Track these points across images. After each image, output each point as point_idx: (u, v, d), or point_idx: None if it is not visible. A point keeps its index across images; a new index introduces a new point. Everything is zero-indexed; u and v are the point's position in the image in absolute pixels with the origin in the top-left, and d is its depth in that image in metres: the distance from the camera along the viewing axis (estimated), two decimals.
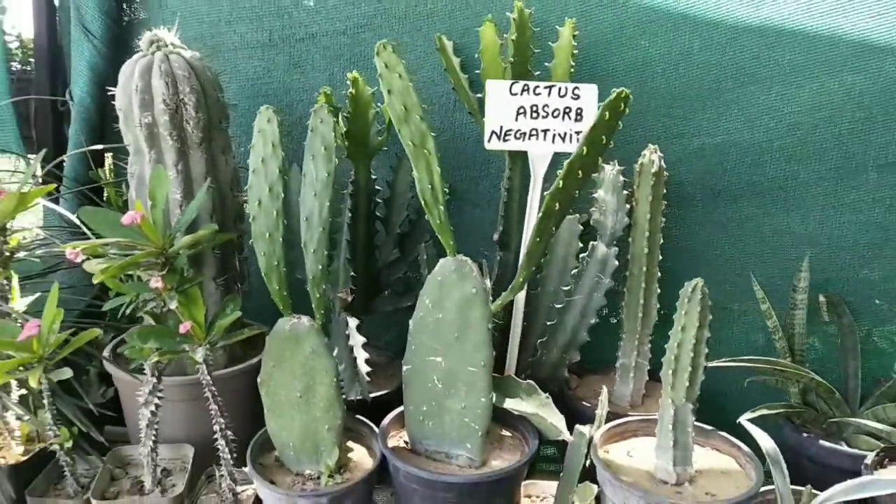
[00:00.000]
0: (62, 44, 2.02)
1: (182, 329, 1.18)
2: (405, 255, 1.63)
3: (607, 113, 1.01)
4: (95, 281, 1.14)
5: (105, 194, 1.80)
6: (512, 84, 1.32)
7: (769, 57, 1.54)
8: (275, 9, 1.70)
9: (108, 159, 1.88)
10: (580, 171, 1.06)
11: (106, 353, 1.51)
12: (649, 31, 1.57)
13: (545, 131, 1.33)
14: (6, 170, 1.72)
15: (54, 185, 1.36)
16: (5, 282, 1.30)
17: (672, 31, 1.56)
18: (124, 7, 1.75)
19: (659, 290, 1.50)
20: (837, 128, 1.54)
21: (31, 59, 2.00)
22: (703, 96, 1.58)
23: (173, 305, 1.17)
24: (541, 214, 1.09)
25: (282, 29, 1.71)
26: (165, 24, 1.73)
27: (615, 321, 1.63)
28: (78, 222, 1.41)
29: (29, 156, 1.77)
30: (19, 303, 1.35)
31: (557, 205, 1.08)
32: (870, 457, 1.30)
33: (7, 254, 1.30)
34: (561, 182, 1.06)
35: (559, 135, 1.33)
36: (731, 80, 1.56)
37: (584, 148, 1.03)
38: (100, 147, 1.54)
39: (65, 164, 1.76)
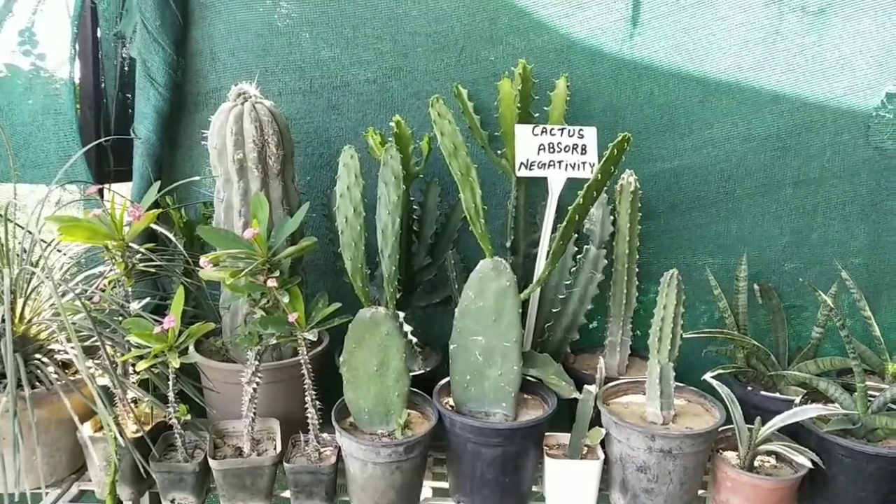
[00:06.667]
0: (104, 89, 2.31)
1: (290, 318, 1.51)
2: (435, 260, 1.96)
3: (615, 150, 1.41)
4: (227, 283, 1.46)
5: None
6: (534, 127, 1.71)
7: (710, 102, 1.93)
8: (315, 61, 1.98)
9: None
10: (595, 192, 1.45)
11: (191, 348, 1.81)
12: (619, 81, 1.93)
13: (560, 162, 1.71)
14: (77, 199, 1.98)
15: (162, 210, 1.66)
16: (130, 289, 1.60)
17: (637, 80, 1.93)
18: (181, 59, 2.04)
19: (637, 282, 1.89)
20: (762, 155, 1.95)
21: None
22: (661, 131, 1.95)
23: (286, 300, 1.50)
24: (565, 223, 1.47)
25: (321, 78, 1.98)
26: (217, 74, 2.07)
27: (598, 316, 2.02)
28: (174, 240, 1.72)
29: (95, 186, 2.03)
30: (135, 304, 1.64)
31: (577, 216, 1.48)
32: (797, 399, 1.70)
33: (131, 265, 1.59)
34: (581, 199, 1.45)
35: (571, 164, 1.72)
36: (682, 119, 1.94)
37: (599, 174, 1.42)
38: (196, 178, 1.83)
39: (132, 190, 2.04)
